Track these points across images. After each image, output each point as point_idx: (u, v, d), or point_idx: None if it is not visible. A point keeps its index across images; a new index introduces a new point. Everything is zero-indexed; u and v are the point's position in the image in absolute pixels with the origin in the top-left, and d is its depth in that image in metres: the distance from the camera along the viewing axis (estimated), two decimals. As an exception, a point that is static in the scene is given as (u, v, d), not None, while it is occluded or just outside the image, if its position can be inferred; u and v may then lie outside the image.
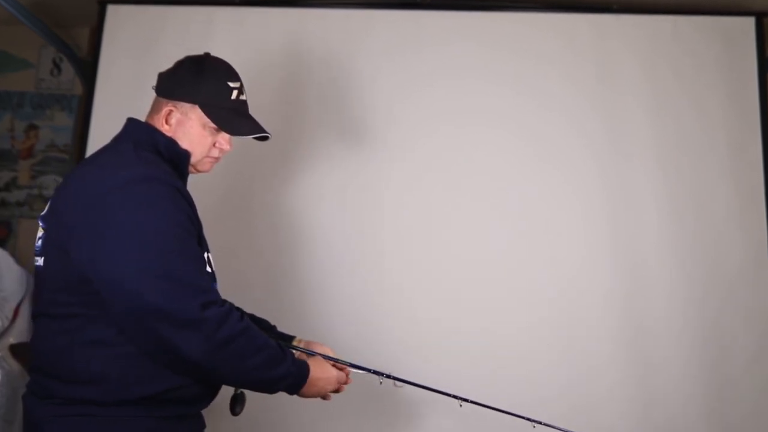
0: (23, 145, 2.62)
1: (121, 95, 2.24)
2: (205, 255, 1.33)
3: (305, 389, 1.35)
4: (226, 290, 1.50)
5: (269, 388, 1.31)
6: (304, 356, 1.43)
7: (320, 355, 1.47)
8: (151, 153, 1.31)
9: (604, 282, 2.06)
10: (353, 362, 1.49)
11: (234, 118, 1.39)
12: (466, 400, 1.53)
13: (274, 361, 1.28)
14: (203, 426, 1.40)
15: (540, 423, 1.55)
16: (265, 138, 1.44)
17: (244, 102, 1.43)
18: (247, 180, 2.19)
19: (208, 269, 1.32)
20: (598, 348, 2.02)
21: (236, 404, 1.41)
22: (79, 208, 1.21)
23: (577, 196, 2.12)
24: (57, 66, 2.64)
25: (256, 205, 2.18)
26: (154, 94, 1.42)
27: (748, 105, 2.14)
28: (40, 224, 1.31)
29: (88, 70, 2.41)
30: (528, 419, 1.57)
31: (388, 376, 1.47)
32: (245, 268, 2.11)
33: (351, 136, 2.19)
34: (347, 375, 1.47)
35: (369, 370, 1.47)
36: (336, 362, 1.48)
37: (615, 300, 2.05)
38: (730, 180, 2.10)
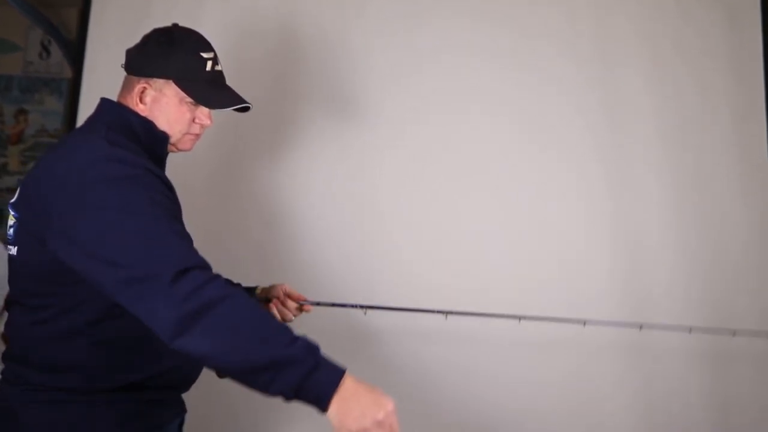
0: (13, 130, 2.57)
1: (111, 77, 2.15)
2: None
3: (337, 403, 1.00)
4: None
5: (268, 374, 1.00)
6: None
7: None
8: (123, 136, 1.25)
9: (605, 259, 2.02)
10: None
11: (212, 90, 1.33)
12: (451, 312, 1.59)
13: (272, 335, 1.02)
14: (184, 410, 1.38)
15: (524, 317, 1.63)
16: (246, 109, 1.39)
17: (220, 72, 1.37)
18: (235, 158, 2.14)
19: None
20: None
21: None
22: (51, 194, 1.15)
23: (576, 174, 2.06)
24: (45, 49, 2.58)
25: (243, 184, 2.13)
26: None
27: (754, 81, 2.08)
28: (11, 212, 1.26)
29: (76, 52, 2.35)
30: (514, 317, 1.63)
31: (370, 307, 1.53)
32: (233, 246, 2.06)
33: (344, 114, 2.14)
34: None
35: (353, 305, 1.55)
36: (314, 304, 1.51)
37: (616, 277, 2.01)
38: (734, 158, 2.05)
